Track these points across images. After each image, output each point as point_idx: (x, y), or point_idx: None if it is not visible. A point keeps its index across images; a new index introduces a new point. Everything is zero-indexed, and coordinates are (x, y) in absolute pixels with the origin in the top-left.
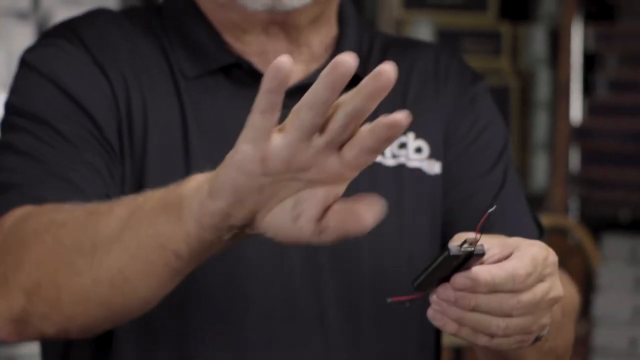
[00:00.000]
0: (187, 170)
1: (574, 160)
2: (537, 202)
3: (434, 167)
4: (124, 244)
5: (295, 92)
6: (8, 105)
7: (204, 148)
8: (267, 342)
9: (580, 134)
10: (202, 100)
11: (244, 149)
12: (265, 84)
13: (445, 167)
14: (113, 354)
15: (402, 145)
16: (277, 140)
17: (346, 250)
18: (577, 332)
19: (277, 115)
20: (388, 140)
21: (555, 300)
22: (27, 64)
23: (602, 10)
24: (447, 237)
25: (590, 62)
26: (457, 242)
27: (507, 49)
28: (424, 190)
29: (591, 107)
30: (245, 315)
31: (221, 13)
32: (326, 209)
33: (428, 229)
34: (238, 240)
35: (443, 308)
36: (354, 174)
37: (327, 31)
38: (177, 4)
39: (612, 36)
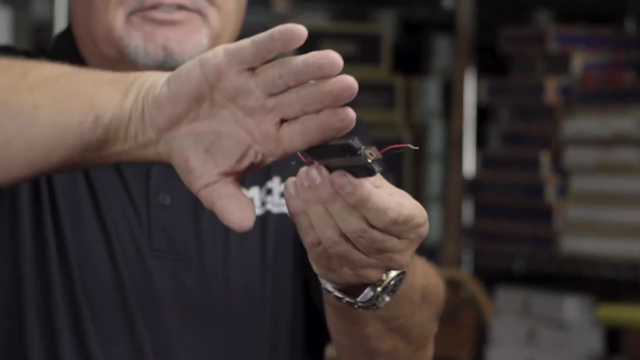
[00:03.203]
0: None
1: (467, 213)
2: (430, 255)
3: None
4: (55, 87)
5: None
6: None
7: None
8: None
9: (473, 186)
10: None
11: (215, 49)
12: (277, 34)
13: None
14: None
15: (269, 192)
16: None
17: (213, 298)
18: None
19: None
20: (325, 131)
21: (394, 265)
22: None
23: (495, 64)
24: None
25: (483, 115)
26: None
27: (400, 102)
28: (287, 237)
29: (484, 160)
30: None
31: (108, 67)
32: (228, 175)
33: (291, 277)
34: (145, 153)
35: (302, 185)
36: (279, 152)
37: None
38: (62, 56)
39: (505, 89)
